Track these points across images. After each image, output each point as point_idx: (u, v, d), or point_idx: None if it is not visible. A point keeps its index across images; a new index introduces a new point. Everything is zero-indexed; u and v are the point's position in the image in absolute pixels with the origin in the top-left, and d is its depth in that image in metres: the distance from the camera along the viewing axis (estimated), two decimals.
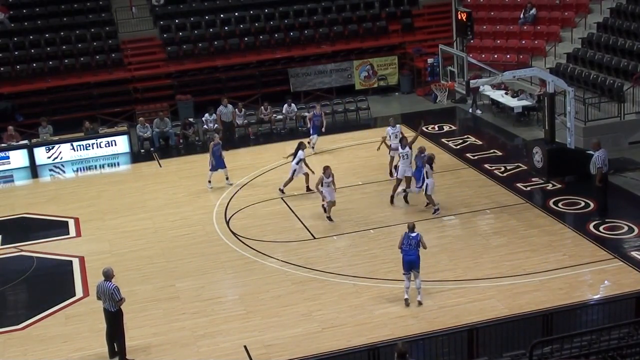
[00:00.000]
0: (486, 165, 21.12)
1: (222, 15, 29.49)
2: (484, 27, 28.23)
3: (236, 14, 29.60)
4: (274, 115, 25.64)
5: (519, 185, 19.67)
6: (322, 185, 17.95)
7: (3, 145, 23.90)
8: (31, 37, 28.11)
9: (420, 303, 14.34)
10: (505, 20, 28.27)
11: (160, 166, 23.25)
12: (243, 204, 19.57)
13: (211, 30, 29.07)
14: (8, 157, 23.71)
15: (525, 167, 20.54)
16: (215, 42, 28.64)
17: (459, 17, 25.21)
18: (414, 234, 14.33)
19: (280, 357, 13.19)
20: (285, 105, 25.62)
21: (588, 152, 18.86)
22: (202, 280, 16.02)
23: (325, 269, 16.06)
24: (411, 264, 14.26)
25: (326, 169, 18.01)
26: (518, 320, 12.99)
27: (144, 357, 13.54)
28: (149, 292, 15.68)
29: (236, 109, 25.12)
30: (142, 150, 24.45)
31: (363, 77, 28.69)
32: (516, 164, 20.96)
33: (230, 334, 14.01)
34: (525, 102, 24.49)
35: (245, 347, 13.54)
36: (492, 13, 28.63)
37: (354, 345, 13.14)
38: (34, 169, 23.61)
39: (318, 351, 13.09)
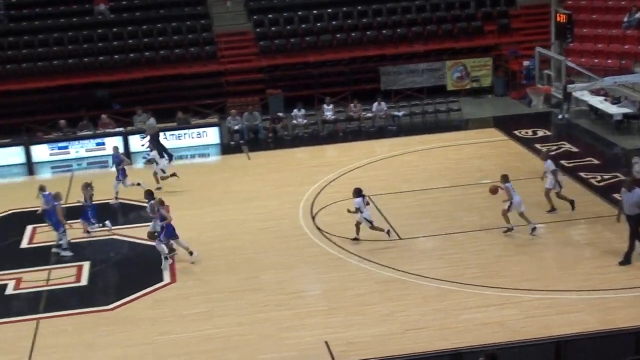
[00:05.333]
0: (581, 174, 20.42)
1: (315, 11, 29.59)
2: (585, 30, 27.28)
3: (329, 10, 29.64)
4: (363, 113, 25.55)
5: (615, 196, 18.90)
6: None
7: (99, 132, 24.73)
8: (129, 28, 28.91)
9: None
10: (608, 23, 27.23)
11: (249, 159, 23.51)
12: (329, 201, 19.55)
13: (304, 25, 29.20)
14: (104, 144, 24.53)
15: (624, 178, 19.71)
16: (308, 38, 28.74)
17: (558, 19, 24.50)
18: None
19: (361, 355, 13.07)
20: (375, 104, 25.50)
21: None
22: (285, 274, 16.08)
23: (409, 269, 15.84)
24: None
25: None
26: (609, 336, 12.47)
27: (225, 345, 13.68)
28: (233, 282, 15.85)
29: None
30: (232, 142, 24.79)
31: (456, 78, 28.23)
32: (613, 174, 20.16)
33: (313, 329, 13.99)
34: (626, 109, 23.52)
35: (326, 342, 13.51)
36: (594, 16, 27.63)
37: (437, 348, 12.91)
38: (128, 156, 24.21)
39: (401, 352, 12.91)
